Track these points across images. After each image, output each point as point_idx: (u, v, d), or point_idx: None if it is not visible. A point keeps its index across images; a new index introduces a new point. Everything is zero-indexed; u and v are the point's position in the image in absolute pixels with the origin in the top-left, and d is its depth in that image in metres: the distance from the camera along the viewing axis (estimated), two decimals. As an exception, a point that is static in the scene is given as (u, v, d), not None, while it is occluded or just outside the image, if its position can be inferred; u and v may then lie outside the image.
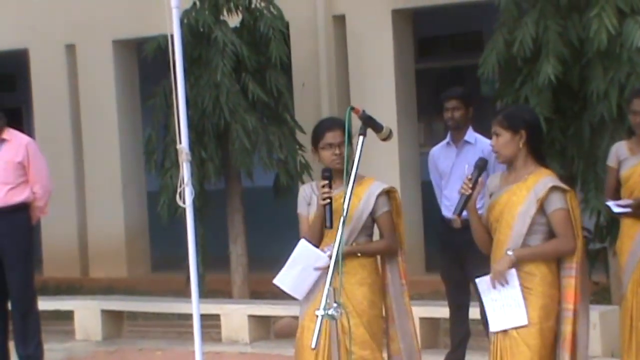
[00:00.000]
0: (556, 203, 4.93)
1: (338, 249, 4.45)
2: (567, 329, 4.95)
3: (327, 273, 4.61)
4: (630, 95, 6.57)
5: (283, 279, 5.33)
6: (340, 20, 11.32)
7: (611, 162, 6.52)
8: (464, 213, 5.14)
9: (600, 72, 8.17)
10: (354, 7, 11.23)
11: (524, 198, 4.96)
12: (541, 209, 4.94)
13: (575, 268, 4.94)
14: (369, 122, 4.67)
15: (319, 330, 4.36)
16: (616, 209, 6.30)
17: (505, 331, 4.97)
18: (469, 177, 5.04)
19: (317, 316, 4.49)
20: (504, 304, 4.97)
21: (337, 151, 5.24)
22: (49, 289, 11.83)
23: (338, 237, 4.46)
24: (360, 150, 4.46)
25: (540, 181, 4.96)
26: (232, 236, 10.60)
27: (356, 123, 4.67)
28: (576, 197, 5.01)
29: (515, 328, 4.93)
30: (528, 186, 4.97)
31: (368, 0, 11.12)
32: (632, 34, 8.02)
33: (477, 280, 5.12)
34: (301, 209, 5.41)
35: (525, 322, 4.92)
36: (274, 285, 5.36)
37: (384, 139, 4.84)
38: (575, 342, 4.96)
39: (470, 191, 5.02)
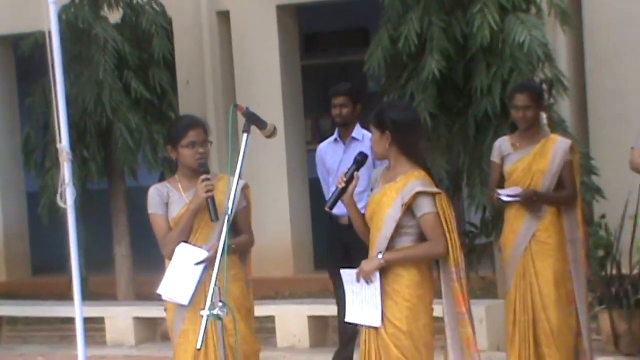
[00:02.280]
0: (424, 207, 4.92)
1: (224, 246, 4.41)
2: (466, 331, 4.99)
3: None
4: (513, 91, 6.63)
5: (166, 287, 5.24)
6: (224, 17, 11.24)
7: (495, 157, 6.58)
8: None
9: (484, 68, 8.22)
10: (239, 3, 11.16)
11: (393, 201, 4.94)
12: (410, 212, 4.93)
13: (456, 272, 4.96)
14: (253, 120, 4.66)
15: (205, 331, 4.30)
16: (506, 198, 6.34)
17: (376, 331, 4.96)
18: (347, 171, 5.03)
19: (201, 317, 4.51)
20: (363, 300, 5.00)
21: (202, 150, 5.21)
22: None
23: (223, 234, 4.43)
24: (245, 148, 4.42)
25: (408, 185, 4.93)
26: (116, 237, 10.46)
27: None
28: (447, 199, 4.99)
29: (385, 330, 4.94)
30: (398, 188, 4.96)
31: (252, -4, 11.06)
32: (513, 30, 8.09)
33: (342, 271, 5.12)
34: (156, 209, 5.28)
35: (378, 324, 4.95)
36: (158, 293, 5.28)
37: (269, 136, 4.82)
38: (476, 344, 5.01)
39: (344, 185, 4.99)
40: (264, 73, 10.98)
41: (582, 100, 9.96)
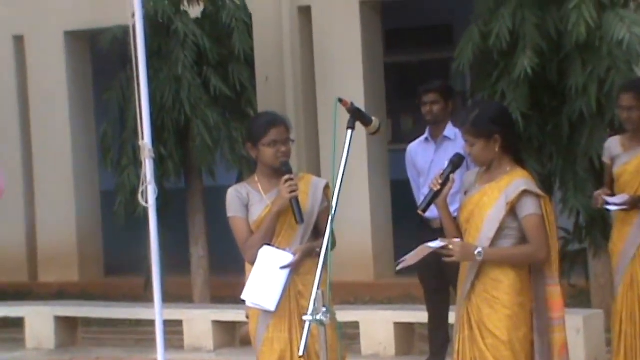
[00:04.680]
0: (529, 208, 4.71)
1: (327, 246, 4.19)
2: (559, 336, 4.76)
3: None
4: (618, 91, 6.44)
5: (251, 293, 5.05)
6: (305, 12, 11.06)
7: (605, 158, 6.41)
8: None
9: (579, 66, 8.02)
10: (321, -1, 10.94)
11: (495, 200, 4.73)
12: (512, 213, 4.71)
13: (554, 277, 4.76)
14: (358, 115, 4.43)
15: (307, 338, 4.10)
16: (612, 207, 6.16)
17: (472, 340, 4.74)
18: (441, 172, 4.84)
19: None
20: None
21: (283, 148, 5.03)
22: (-5, 295, 11.41)
23: (327, 236, 4.21)
24: (349, 145, 4.20)
25: (512, 183, 4.72)
26: (192, 237, 10.35)
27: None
28: (551, 203, 4.86)
29: (483, 340, 4.70)
30: (500, 187, 4.74)
31: (335, -9, 10.86)
32: (612, 27, 7.85)
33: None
34: (236, 212, 5.08)
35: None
36: (237, 288, 5.12)
37: (373, 133, 4.60)
38: (568, 349, 4.79)
39: (439, 187, 4.81)
40: (346, 70, 10.79)
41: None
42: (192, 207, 10.34)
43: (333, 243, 5.04)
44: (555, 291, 4.75)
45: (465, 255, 4.72)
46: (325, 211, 5.10)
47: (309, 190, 5.10)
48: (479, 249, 4.69)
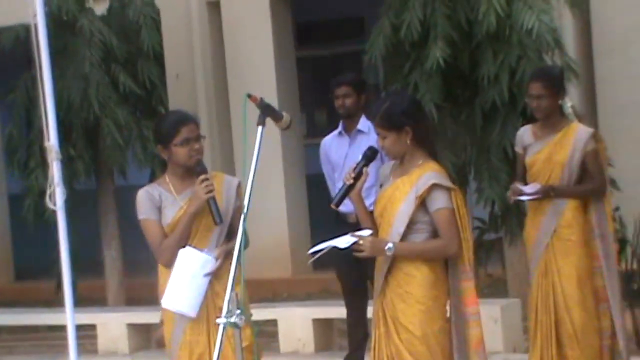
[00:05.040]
0: (439, 202, 4.65)
1: (240, 245, 4.12)
2: (475, 332, 4.73)
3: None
4: (528, 80, 6.38)
5: (171, 299, 4.88)
6: (215, 7, 10.97)
7: (518, 147, 6.34)
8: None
9: (491, 55, 8.01)
10: (230, -7, 10.84)
11: (406, 194, 4.68)
12: (423, 206, 4.66)
13: (467, 271, 4.72)
14: (268, 111, 4.36)
15: (221, 342, 4.04)
16: (525, 198, 6.10)
17: (388, 336, 4.70)
18: (354, 166, 4.77)
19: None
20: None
21: (197, 145, 4.90)
22: None
23: (239, 236, 4.16)
24: (260, 142, 4.16)
25: (423, 176, 4.67)
26: (105, 239, 10.24)
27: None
28: (462, 196, 4.78)
29: (398, 335, 4.66)
30: (411, 181, 4.69)
31: (244, -14, 10.76)
32: (521, 16, 7.87)
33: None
34: (148, 214, 4.92)
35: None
36: (152, 290, 4.99)
37: (285, 128, 4.55)
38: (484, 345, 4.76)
39: (352, 181, 4.74)
40: (257, 65, 10.72)
41: (590, 88, 9.68)
42: (104, 207, 10.23)
43: (246, 242, 4.98)
44: (468, 286, 4.71)
45: (376, 251, 4.66)
46: (238, 210, 4.96)
47: (223, 189, 4.99)
48: (389, 244, 4.64)
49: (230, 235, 4.95)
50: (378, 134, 4.78)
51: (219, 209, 4.81)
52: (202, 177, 4.82)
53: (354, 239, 4.67)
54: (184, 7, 10.89)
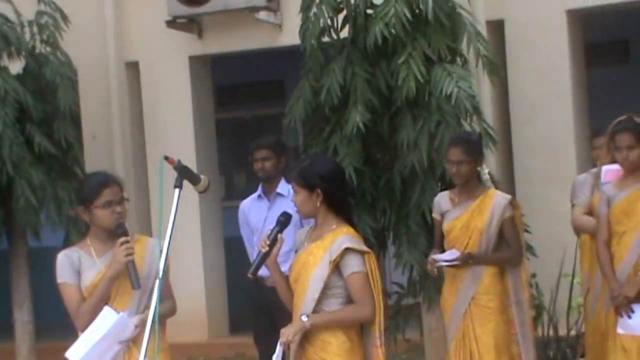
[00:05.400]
0: (352, 266, 4.66)
1: (154, 313, 4.10)
2: None
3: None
4: (447, 145, 6.46)
5: (76, 352, 4.73)
6: (133, 67, 10.89)
7: (435, 213, 6.39)
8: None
9: (410, 120, 8.01)
10: (148, 53, 10.80)
11: (320, 259, 4.68)
12: (337, 271, 4.66)
13: (379, 336, 4.72)
14: (185, 173, 4.38)
15: None
16: (444, 264, 6.11)
17: None
18: (269, 232, 4.78)
19: None
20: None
21: (119, 208, 4.81)
22: None
23: (154, 301, 4.13)
24: (177, 205, 4.16)
25: (336, 241, 4.67)
26: (16, 302, 9.95)
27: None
28: (375, 259, 4.76)
29: None
30: (325, 246, 4.69)
31: (163, 46, 10.73)
32: (440, 82, 7.90)
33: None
34: (67, 278, 4.81)
35: None
36: (64, 354, 4.78)
37: (202, 191, 4.56)
38: None
39: (267, 248, 4.74)
40: (176, 126, 10.65)
41: (507, 155, 9.78)
42: (16, 269, 9.97)
43: (174, 307, 4.95)
44: (376, 352, 4.71)
45: (292, 327, 4.67)
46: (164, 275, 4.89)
47: (146, 253, 4.89)
48: (304, 316, 4.64)
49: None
50: (293, 189, 4.80)
51: (137, 273, 4.71)
52: (122, 239, 4.73)
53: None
54: (102, 67, 10.78)
